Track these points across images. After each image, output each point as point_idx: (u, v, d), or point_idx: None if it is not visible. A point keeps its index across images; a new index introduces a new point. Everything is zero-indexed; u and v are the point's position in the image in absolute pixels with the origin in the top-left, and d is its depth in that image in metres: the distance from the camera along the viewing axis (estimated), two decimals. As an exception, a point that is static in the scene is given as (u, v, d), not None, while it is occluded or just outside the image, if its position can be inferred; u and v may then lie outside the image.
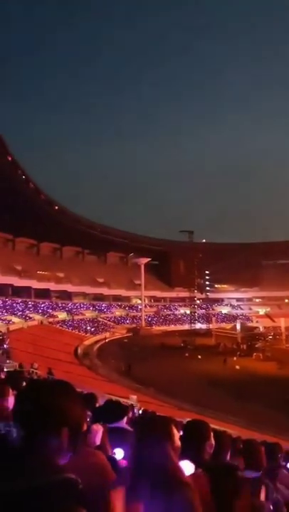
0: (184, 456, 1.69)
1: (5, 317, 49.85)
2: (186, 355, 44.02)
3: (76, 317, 65.48)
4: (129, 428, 3.35)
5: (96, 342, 53.48)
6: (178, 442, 1.63)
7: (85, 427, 1.17)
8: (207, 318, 74.53)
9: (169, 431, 1.62)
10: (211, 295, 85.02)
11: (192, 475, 1.66)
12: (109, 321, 70.20)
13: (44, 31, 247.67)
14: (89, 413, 2.79)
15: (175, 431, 1.64)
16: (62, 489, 0.99)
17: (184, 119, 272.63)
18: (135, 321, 72.79)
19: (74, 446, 1.14)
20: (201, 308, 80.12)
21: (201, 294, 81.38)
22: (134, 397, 17.95)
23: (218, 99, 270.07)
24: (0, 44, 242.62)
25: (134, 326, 69.52)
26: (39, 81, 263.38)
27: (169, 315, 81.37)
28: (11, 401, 2.78)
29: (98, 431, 2.20)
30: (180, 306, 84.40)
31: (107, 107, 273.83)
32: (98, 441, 2.18)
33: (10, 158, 50.85)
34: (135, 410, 10.74)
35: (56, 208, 67.61)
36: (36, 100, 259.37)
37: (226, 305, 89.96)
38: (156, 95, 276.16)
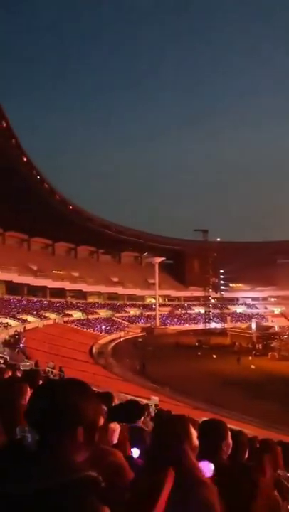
0: (201, 456, 1.69)
1: (21, 316, 50.34)
2: (199, 353, 43.92)
3: (91, 316, 65.78)
4: (145, 427, 3.36)
5: (111, 341, 53.67)
6: (196, 441, 1.63)
7: (101, 422, 1.17)
8: (222, 318, 74.12)
9: (186, 430, 1.62)
10: (225, 294, 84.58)
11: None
12: (123, 320, 70.36)
13: (65, 28, 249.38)
14: (104, 408, 2.79)
15: (193, 430, 1.64)
16: (83, 487, 0.98)
17: (194, 118, 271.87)
18: (150, 320, 72.81)
19: (90, 444, 1.14)
20: (216, 307, 79.73)
21: (216, 293, 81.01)
22: (156, 398, 17.89)
23: (223, 98, 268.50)
24: (24, 45, 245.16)
25: (148, 325, 69.56)
26: (57, 81, 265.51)
27: (184, 314, 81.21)
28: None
29: (115, 430, 2.21)
30: (194, 305, 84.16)
31: (116, 108, 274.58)
32: (115, 440, 2.20)
33: (25, 159, 51.22)
34: (150, 410, 10.74)
35: (71, 207, 67.96)
36: (53, 100, 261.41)
37: (241, 304, 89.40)
38: (168, 96, 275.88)
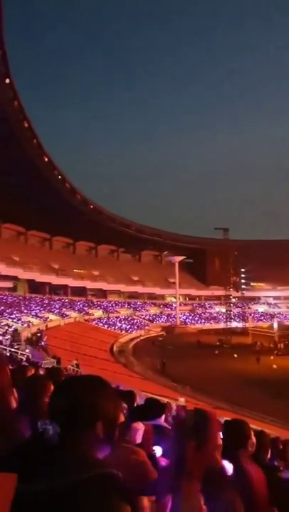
0: (224, 456, 1.69)
1: (43, 314, 50.96)
2: (216, 352, 43.75)
3: (111, 315, 66.09)
4: (167, 426, 3.36)
5: (131, 340, 53.82)
6: (220, 441, 1.62)
7: (121, 419, 1.18)
8: (243, 317, 73.41)
9: (210, 429, 1.61)
10: (247, 293, 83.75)
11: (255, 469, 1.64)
12: (144, 319, 70.44)
13: (88, 36, 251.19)
14: (124, 405, 2.81)
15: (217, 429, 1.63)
16: (103, 483, 0.98)
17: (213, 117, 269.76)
18: (170, 319, 72.70)
19: (111, 440, 1.15)
20: (237, 306, 79.01)
21: (237, 292, 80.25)
22: (182, 399, 17.85)
23: (245, 92, 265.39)
24: (39, 45, 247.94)
25: (168, 324, 69.45)
26: (74, 83, 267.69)
27: (204, 313, 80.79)
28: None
29: (139, 429, 2.22)
30: (215, 304, 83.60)
31: (138, 108, 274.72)
32: (139, 440, 2.20)
33: (46, 159, 51.80)
34: (172, 408, 10.73)
35: (91, 207, 68.43)
36: (72, 100, 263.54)
37: (263, 303, 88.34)
38: (190, 96, 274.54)
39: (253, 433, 2.19)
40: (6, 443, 1.21)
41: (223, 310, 74.94)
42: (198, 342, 50.42)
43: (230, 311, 72.02)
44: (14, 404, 1.40)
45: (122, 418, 1.21)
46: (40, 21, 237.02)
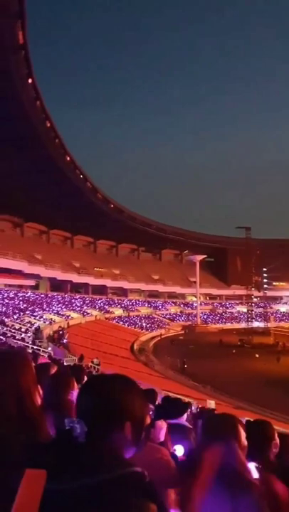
0: (249, 456, 1.67)
1: (64, 312, 51.49)
2: (234, 351, 43.44)
3: (132, 313, 66.26)
4: (188, 425, 3.35)
5: (151, 338, 53.85)
6: (245, 442, 1.61)
7: (148, 421, 1.17)
8: (265, 317, 72.54)
9: (236, 429, 1.60)
10: (269, 293, 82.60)
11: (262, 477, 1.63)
12: (164, 317, 70.38)
13: (110, 45, 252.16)
14: (151, 407, 2.81)
15: (241, 430, 1.62)
16: (130, 483, 0.98)
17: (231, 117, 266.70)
18: (190, 318, 72.42)
19: (138, 440, 1.14)
20: (259, 306, 78.11)
21: (259, 291, 79.27)
22: (212, 402, 17.69)
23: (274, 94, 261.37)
24: (64, 53, 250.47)
25: (189, 323, 69.20)
26: (100, 84, 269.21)
27: (225, 313, 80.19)
28: (75, 394, 2.87)
29: (162, 427, 2.22)
30: (236, 304, 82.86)
31: (161, 108, 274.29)
32: (162, 438, 2.20)
33: (68, 159, 52.24)
34: (193, 408, 10.70)
35: (112, 206, 68.73)
36: (95, 101, 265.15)
37: (285, 303, 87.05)
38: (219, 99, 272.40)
39: (276, 434, 2.16)
40: (33, 440, 1.22)
41: (245, 310, 74.21)
42: (221, 341, 50.06)
43: (252, 310, 71.28)
44: (39, 402, 1.42)
45: (148, 420, 1.19)
46: (60, 22, 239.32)
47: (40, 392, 1.44)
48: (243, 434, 1.62)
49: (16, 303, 46.10)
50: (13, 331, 31.66)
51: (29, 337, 31.23)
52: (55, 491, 0.95)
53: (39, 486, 0.95)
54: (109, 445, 1.08)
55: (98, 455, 1.04)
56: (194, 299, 77.14)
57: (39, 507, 0.92)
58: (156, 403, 4.10)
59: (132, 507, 0.94)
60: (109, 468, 0.99)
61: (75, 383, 2.92)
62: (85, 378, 4.80)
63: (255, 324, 68.64)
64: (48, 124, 44.14)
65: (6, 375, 1.34)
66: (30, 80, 37.10)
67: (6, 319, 34.99)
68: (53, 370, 5.60)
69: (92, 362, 23.63)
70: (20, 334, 31.21)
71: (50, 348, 28.26)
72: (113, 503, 0.94)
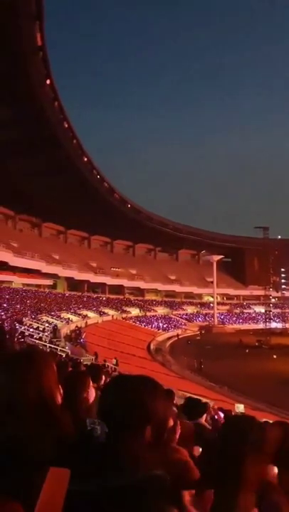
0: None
1: (81, 312, 51.79)
2: (247, 351, 43.03)
3: (148, 313, 66.27)
4: (208, 425, 3.33)
5: (168, 338, 53.75)
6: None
7: (171, 423, 1.16)
8: (283, 317, 71.63)
9: (254, 431, 1.58)
10: (287, 293, 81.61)
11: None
12: (180, 318, 70.20)
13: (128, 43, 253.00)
14: (174, 409, 2.79)
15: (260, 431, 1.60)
16: (152, 486, 0.97)
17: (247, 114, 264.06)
18: (207, 318, 72.07)
19: (159, 443, 1.13)
20: (277, 307, 77.21)
21: (277, 292, 78.36)
22: (241, 405, 17.46)
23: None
24: (76, 50, 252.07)
25: (206, 323, 68.87)
26: (119, 85, 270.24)
27: (242, 313, 79.53)
28: (91, 393, 2.88)
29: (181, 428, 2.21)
30: (254, 304, 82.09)
31: (178, 107, 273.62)
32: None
33: (86, 159, 52.54)
34: (210, 409, 10.63)
35: (129, 206, 68.86)
36: (112, 101, 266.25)
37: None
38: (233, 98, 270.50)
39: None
40: (55, 440, 1.22)
41: (262, 310, 73.45)
42: (241, 341, 49.59)
43: (270, 311, 70.51)
44: (60, 401, 1.42)
45: (171, 422, 1.18)
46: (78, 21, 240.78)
47: (61, 391, 1.44)
48: (261, 436, 1.60)
49: (34, 302, 46.55)
50: (31, 330, 31.98)
51: (47, 336, 31.51)
52: (77, 492, 0.95)
53: (63, 485, 0.95)
54: (130, 447, 1.07)
55: (119, 457, 1.04)
56: (211, 299, 76.72)
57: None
58: (174, 403, 4.09)
59: (153, 510, 0.94)
60: (131, 471, 0.99)
61: (91, 382, 2.93)
62: (103, 377, 4.81)
63: (273, 325, 67.88)
64: (66, 125, 44.47)
65: (29, 374, 1.35)
66: (48, 81, 37.42)
67: (24, 318, 35.36)
68: (70, 369, 5.65)
69: (112, 362, 23.64)
70: (38, 333, 31.51)
71: (67, 347, 28.47)
72: (135, 506, 0.94)
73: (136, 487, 0.96)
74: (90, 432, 1.13)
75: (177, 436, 2.32)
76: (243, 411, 14.56)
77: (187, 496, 1.21)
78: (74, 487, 0.95)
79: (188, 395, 12.70)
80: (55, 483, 0.96)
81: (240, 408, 16.08)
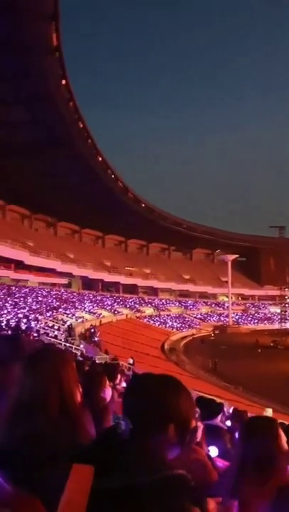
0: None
1: (95, 310, 52.01)
2: (259, 350, 42.63)
3: (162, 313, 66.19)
4: (223, 426, 3.32)
5: (182, 338, 53.62)
6: (285, 446, 1.57)
7: (194, 423, 1.16)
8: (299, 318, 70.81)
9: (276, 432, 1.57)
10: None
11: None
12: (195, 317, 69.95)
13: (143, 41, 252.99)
14: (197, 410, 2.79)
15: (282, 433, 1.59)
16: (174, 486, 0.97)
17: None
18: (222, 318, 71.67)
19: (182, 443, 1.13)
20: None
21: (293, 292, 77.54)
22: (270, 409, 17.25)
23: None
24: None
25: (220, 323, 68.50)
26: (129, 83, 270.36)
27: (258, 313, 78.87)
28: (108, 392, 2.89)
29: (200, 427, 2.21)
30: (269, 304, 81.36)
31: (192, 107, 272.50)
32: (199, 438, 2.19)
33: (100, 159, 52.69)
34: (225, 409, 10.59)
35: (143, 205, 68.83)
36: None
37: None
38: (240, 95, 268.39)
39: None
40: (75, 438, 1.24)
41: (278, 310, 72.79)
42: (257, 342, 49.11)
43: (285, 311, 69.85)
44: (79, 399, 1.44)
45: (194, 423, 1.18)
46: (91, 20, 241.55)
47: (80, 390, 1.46)
48: (283, 438, 1.59)
49: (49, 301, 46.94)
50: (46, 328, 32.27)
51: (62, 334, 31.75)
52: (100, 489, 0.95)
53: (87, 482, 0.95)
54: (152, 445, 1.07)
55: (142, 456, 1.04)
56: (226, 299, 76.25)
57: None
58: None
59: (175, 510, 0.94)
60: (153, 470, 0.99)
61: (107, 381, 2.95)
62: (119, 376, 4.84)
63: (289, 325, 67.26)
64: (81, 125, 44.66)
65: (49, 373, 1.37)
66: (63, 81, 37.64)
67: (39, 317, 35.70)
68: (86, 368, 5.69)
69: (128, 362, 23.58)
70: (53, 332, 31.78)
71: (82, 346, 28.63)
72: (157, 505, 0.93)
73: (157, 486, 0.95)
74: (114, 428, 1.14)
75: (199, 436, 2.32)
76: (270, 414, 14.26)
77: (212, 503, 1.21)
78: (97, 484, 0.96)
79: (201, 394, 12.62)
80: (79, 480, 0.96)
81: (268, 412, 15.74)
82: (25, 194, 53.17)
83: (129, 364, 22.91)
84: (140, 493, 0.94)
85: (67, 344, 26.83)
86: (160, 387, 1.14)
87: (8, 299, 39.55)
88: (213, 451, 2.68)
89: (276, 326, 66.87)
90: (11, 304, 37.38)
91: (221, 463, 2.47)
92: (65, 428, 1.27)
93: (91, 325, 42.49)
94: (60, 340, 27.99)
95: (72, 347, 26.02)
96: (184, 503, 0.96)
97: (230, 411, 9.29)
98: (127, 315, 57.78)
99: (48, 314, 39.45)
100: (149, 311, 65.00)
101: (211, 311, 75.59)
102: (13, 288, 46.11)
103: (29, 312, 36.05)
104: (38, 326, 31.35)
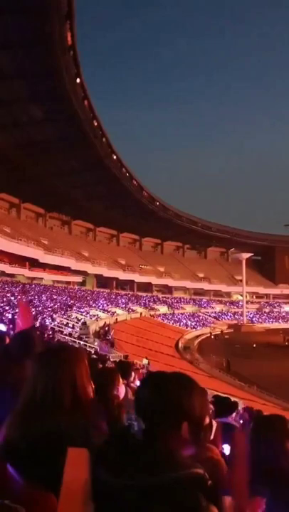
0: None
1: (110, 309, 52.18)
2: (254, 345, 42.47)
3: (177, 311, 66.09)
4: (236, 424, 3.31)
5: (196, 337, 53.48)
6: None
7: (207, 421, 1.15)
8: (314, 317, 70.04)
9: (287, 429, 1.56)
10: None
11: None
12: (209, 316, 69.69)
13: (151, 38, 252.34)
14: (211, 407, 2.78)
15: None
16: (192, 485, 0.96)
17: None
18: (236, 317, 71.25)
19: (196, 441, 1.13)
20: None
21: (308, 291, 76.75)
22: None
23: None
24: (106, 49, 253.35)
25: (235, 322, 68.10)
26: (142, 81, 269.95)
27: (272, 312, 78.22)
28: (121, 390, 2.90)
29: (213, 425, 2.20)
30: (284, 303, 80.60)
31: (208, 108, 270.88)
32: (212, 436, 2.19)
33: (115, 157, 52.80)
34: (240, 407, 10.53)
35: (158, 204, 68.80)
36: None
37: None
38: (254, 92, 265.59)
39: None
40: (89, 433, 1.24)
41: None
42: (268, 343, 48.69)
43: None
44: (92, 395, 1.44)
45: (207, 420, 1.17)
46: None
47: (93, 386, 1.46)
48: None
49: (64, 299, 47.24)
50: (60, 326, 32.50)
51: (76, 332, 31.95)
52: (116, 486, 0.95)
53: (84, 464, 0.96)
54: (166, 444, 1.07)
55: (156, 454, 1.03)
56: (240, 297, 75.76)
57: (100, 500, 0.93)
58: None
59: (192, 509, 0.93)
60: (169, 468, 0.98)
61: (120, 378, 2.95)
62: (132, 374, 4.85)
63: (304, 324, 66.51)
64: (96, 123, 44.79)
65: (63, 368, 1.38)
66: (78, 80, 37.78)
67: (54, 314, 35.96)
68: (100, 365, 5.71)
69: (142, 362, 23.55)
70: (68, 329, 31.99)
71: (96, 344, 28.77)
72: (173, 503, 0.92)
73: (174, 484, 0.95)
74: (127, 428, 1.13)
75: (212, 434, 2.31)
76: None
77: (228, 500, 1.20)
78: (116, 484, 0.96)
79: (216, 393, 12.59)
80: (76, 463, 0.96)
81: None
82: (40, 193, 53.58)
83: (145, 364, 22.89)
84: (157, 490, 0.94)
85: (82, 342, 27.00)
86: (173, 385, 1.14)
87: (23, 296, 39.91)
88: (227, 449, 2.67)
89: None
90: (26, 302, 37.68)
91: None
92: (78, 425, 1.28)
93: (105, 323, 42.64)
94: (75, 338, 28.17)
95: (86, 345, 26.17)
96: (202, 502, 0.94)
97: (241, 410, 9.24)
98: (141, 313, 57.79)
99: (63, 312, 39.71)
100: (163, 309, 64.95)
101: (225, 310, 75.23)
102: (28, 286, 46.53)
103: (44, 310, 36.34)
104: (53, 323, 31.59)
